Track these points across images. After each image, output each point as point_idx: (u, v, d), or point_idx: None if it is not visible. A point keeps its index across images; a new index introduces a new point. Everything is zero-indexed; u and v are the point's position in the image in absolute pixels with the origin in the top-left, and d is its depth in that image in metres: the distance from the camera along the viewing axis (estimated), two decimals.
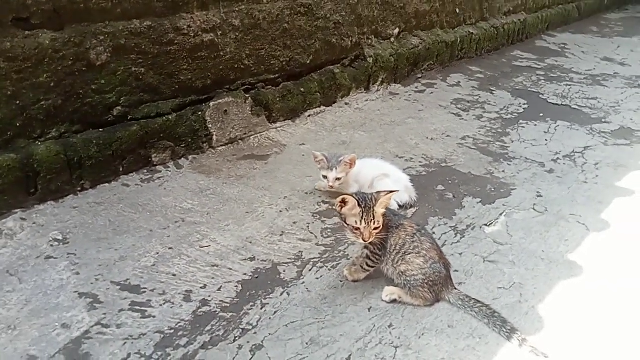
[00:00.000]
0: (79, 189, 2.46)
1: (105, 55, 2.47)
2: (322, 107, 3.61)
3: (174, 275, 2.00)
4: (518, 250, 2.24)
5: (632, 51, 5.75)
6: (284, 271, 2.06)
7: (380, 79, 4.05)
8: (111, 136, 2.54)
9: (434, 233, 2.30)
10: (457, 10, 4.88)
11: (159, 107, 2.74)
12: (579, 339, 1.77)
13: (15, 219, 2.21)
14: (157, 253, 2.11)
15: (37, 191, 2.32)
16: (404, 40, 4.30)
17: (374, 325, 1.79)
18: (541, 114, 3.82)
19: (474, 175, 2.88)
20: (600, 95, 4.28)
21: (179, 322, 1.77)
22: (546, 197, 2.67)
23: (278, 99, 3.29)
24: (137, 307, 1.83)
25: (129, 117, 2.64)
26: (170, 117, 2.77)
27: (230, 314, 1.83)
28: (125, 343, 1.68)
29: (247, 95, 3.13)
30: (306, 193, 2.63)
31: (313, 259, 2.14)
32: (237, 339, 1.72)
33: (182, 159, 2.85)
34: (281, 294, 1.93)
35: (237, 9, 2.97)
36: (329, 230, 2.33)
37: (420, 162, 3.02)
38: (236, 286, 1.96)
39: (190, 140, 2.86)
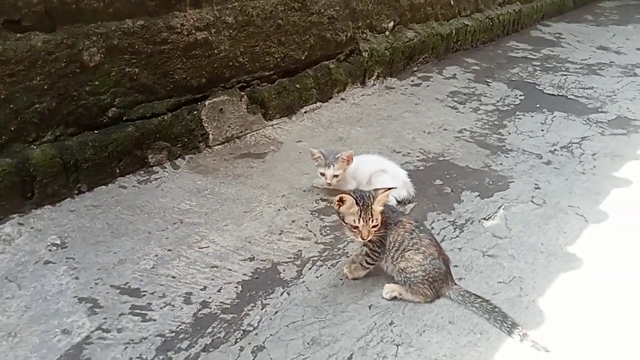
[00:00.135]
0: (76, 192, 2.45)
1: (98, 56, 2.45)
2: (318, 103, 3.59)
3: (174, 277, 1.99)
4: (517, 243, 2.24)
5: (627, 39, 5.74)
6: (284, 270, 2.05)
7: (376, 73, 4.03)
8: (107, 138, 2.53)
9: (432, 228, 2.31)
10: (452, 2, 4.86)
11: (154, 107, 2.72)
12: (580, 332, 1.77)
13: (12, 224, 2.20)
14: (156, 255, 2.10)
15: (33, 195, 2.31)
16: (399, 34, 4.28)
17: (375, 323, 1.80)
18: (537, 105, 3.82)
19: (471, 169, 2.88)
20: (597, 84, 4.28)
21: (180, 325, 1.77)
22: (544, 189, 2.67)
23: (273, 96, 3.28)
24: (138, 311, 1.82)
25: (124, 118, 2.62)
26: (165, 117, 2.75)
27: (231, 315, 1.82)
28: (126, 347, 1.68)
29: (243, 93, 3.11)
30: (304, 191, 2.62)
31: (312, 257, 2.14)
32: (238, 340, 1.72)
33: (179, 159, 2.83)
34: (281, 294, 1.93)
35: (230, 5, 2.95)
36: (327, 228, 2.33)
37: (417, 156, 3.02)
38: (236, 287, 1.96)
39: (186, 139, 2.85)
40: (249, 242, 2.21)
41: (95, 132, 2.52)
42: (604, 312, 1.87)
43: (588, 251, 2.19)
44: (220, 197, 2.53)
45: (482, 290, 1.94)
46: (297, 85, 3.42)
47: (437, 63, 4.64)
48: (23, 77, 2.23)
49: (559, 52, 5.19)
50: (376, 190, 1.86)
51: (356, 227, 1.80)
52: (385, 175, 2.49)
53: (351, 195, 1.80)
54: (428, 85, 4.17)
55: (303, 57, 3.48)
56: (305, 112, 3.50)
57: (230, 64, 3.03)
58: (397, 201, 2.49)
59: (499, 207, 2.51)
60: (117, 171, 2.60)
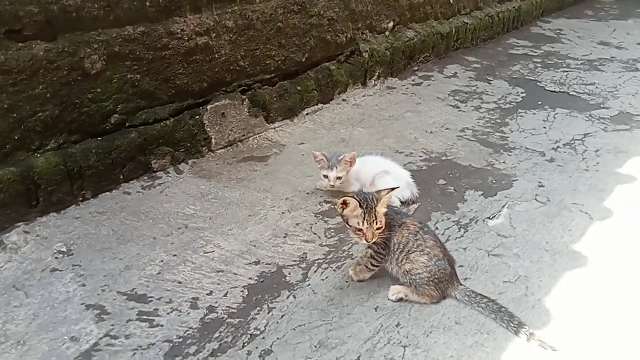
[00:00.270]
0: (81, 199, 2.46)
1: (99, 64, 2.46)
2: (320, 105, 3.60)
3: (180, 282, 2.00)
4: (522, 242, 2.24)
5: (628, 34, 5.73)
6: (289, 274, 2.06)
7: (377, 74, 4.03)
8: (110, 144, 2.53)
9: (436, 228, 2.31)
10: (451, 1, 4.86)
11: (157, 113, 2.73)
12: (587, 330, 1.77)
13: (18, 233, 2.21)
14: (162, 261, 2.11)
15: (38, 203, 2.32)
16: (399, 34, 4.28)
17: (382, 325, 1.80)
18: (539, 102, 3.81)
19: (474, 168, 2.88)
20: (598, 80, 4.27)
21: (187, 330, 1.78)
22: (548, 187, 2.67)
23: (275, 99, 3.28)
24: (145, 317, 1.83)
25: (127, 124, 2.63)
26: (168, 122, 2.76)
27: (238, 319, 1.83)
28: (134, 354, 1.68)
29: (244, 97, 3.12)
30: (307, 193, 2.63)
31: (317, 260, 2.14)
32: (245, 344, 1.72)
33: (182, 163, 2.84)
34: (287, 297, 1.93)
35: (230, 10, 2.95)
36: (332, 230, 2.33)
37: (420, 156, 3.02)
38: (242, 291, 1.96)
39: (189, 144, 2.86)
40: (254, 246, 2.22)
41: (99, 139, 2.53)
42: (611, 309, 1.87)
43: (593, 249, 2.19)
44: (224, 201, 2.54)
45: (488, 290, 1.94)
46: (298, 88, 3.43)
47: (437, 62, 4.64)
48: (25, 86, 2.24)
49: (559, 48, 5.18)
50: (379, 191, 1.87)
51: (360, 230, 1.81)
52: (388, 176, 2.49)
53: (354, 198, 1.80)
54: (429, 85, 4.17)
55: (303, 59, 3.48)
56: (307, 114, 3.50)
57: (231, 67, 3.04)
58: (401, 202, 2.49)
59: (503, 206, 2.50)
60: (121, 177, 2.60)
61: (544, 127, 3.40)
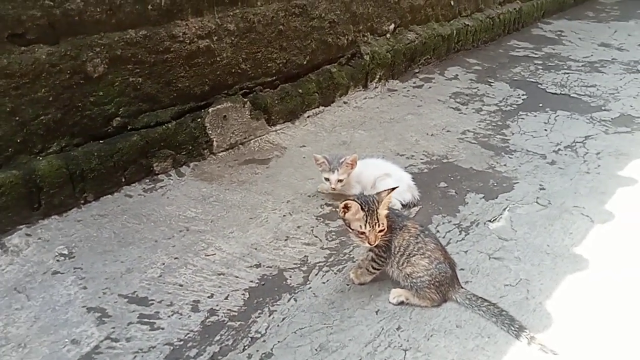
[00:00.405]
0: (82, 202, 2.46)
1: (102, 67, 2.47)
2: (321, 107, 3.60)
3: (181, 285, 2.00)
4: (523, 245, 2.24)
5: (629, 35, 5.73)
6: (290, 277, 2.06)
7: (378, 76, 4.04)
8: (112, 147, 2.54)
9: (437, 231, 2.31)
10: (452, 3, 4.87)
11: (158, 116, 2.73)
12: (588, 334, 1.77)
13: (20, 235, 2.22)
14: (163, 263, 2.12)
15: (40, 206, 2.32)
16: (400, 36, 4.28)
17: (382, 328, 1.80)
18: (540, 104, 3.81)
19: (475, 170, 2.88)
20: (599, 82, 4.27)
21: (188, 333, 1.78)
22: (549, 190, 2.67)
23: (276, 102, 3.29)
24: (146, 320, 1.83)
25: (129, 128, 2.64)
26: (169, 125, 2.76)
27: (239, 322, 1.83)
28: (135, 356, 1.69)
29: (246, 100, 3.13)
30: (309, 196, 2.63)
31: (319, 263, 2.14)
32: (246, 348, 1.73)
33: (184, 166, 2.85)
34: (288, 300, 1.94)
35: (231, 13, 2.96)
36: (333, 233, 2.34)
37: (421, 159, 3.02)
38: (243, 294, 1.97)
39: (190, 147, 2.87)
40: (255, 249, 2.22)
41: (101, 142, 2.54)
42: (612, 313, 1.87)
43: (594, 252, 2.19)
44: (226, 204, 2.54)
45: (488, 293, 1.94)
46: (300, 90, 3.43)
47: (438, 64, 4.65)
48: (28, 89, 2.25)
49: (560, 50, 5.18)
50: (379, 193, 1.87)
51: (363, 233, 1.81)
52: (389, 179, 2.49)
53: (356, 201, 1.81)
54: (430, 87, 4.17)
55: (305, 62, 3.49)
56: (308, 117, 3.51)
57: (233, 70, 3.05)
58: (402, 205, 2.49)
59: (504, 209, 2.51)
60: (123, 180, 2.61)
61: (545, 130, 3.40)
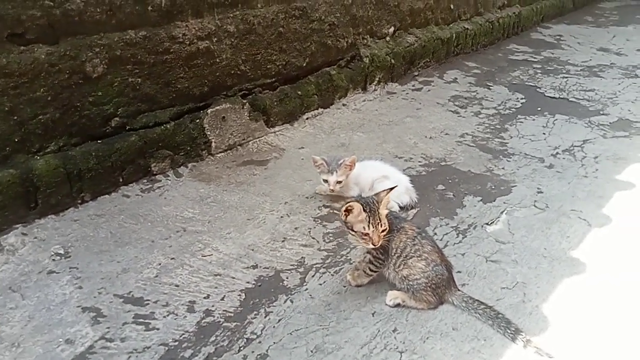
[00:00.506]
0: (79, 201, 2.46)
1: (101, 67, 2.47)
2: (320, 109, 3.61)
3: (177, 285, 2.00)
4: (520, 248, 2.23)
5: (627, 40, 5.74)
6: (287, 278, 2.06)
7: (377, 79, 4.04)
8: (110, 147, 2.54)
9: (435, 234, 2.31)
10: (452, 6, 4.88)
11: (157, 117, 2.73)
12: (584, 337, 1.77)
13: (16, 234, 2.21)
14: (160, 264, 2.11)
15: (37, 205, 2.32)
16: (400, 39, 4.29)
17: (379, 330, 1.80)
18: (539, 108, 3.82)
19: (473, 173, 2.88)
20: (598, 86, 4.27)
21: (183, 334, 1.78)
22: (547, 193, 2.67)
23: (275, 103, 3.29)
24: (141, 320, 1.83)
25: (127, 128, 2.64)
26: (168, 126, 2.76)
27: (234, 323, 1.83)
28: (129, 357, 1.68)
29: (245, 101, 3.13)
30: (307, 197, 2.63)
31: (315, 264, 2.14)
32: (241, 349, 1.72)
33: (182, 167, 2.85)
34: (285, 302, 1.93)
35: (231, 15, 2.97)
36: (330, 235, 2.33)
37: (419, 161, 3.02)
38: (239, 295, 1.96)
39: (189, 148, 2.86)
40: (252, 250, 2.22)
41: (99, 142, 2.54)
42: (608, 317, 1.86)
43: (592, 255, 2.19)
44: (223, 205, 2.54)
45: (485, 296, 1.94)
46: (299, 92, 3.44)
47: (438, 67, 4.65)
48: (27, 89, 2.25)
49: (559, 54, 5.19)
50: (377, 194, 1.87)
51: (367, 234, 1.79)
52: (387, 181, 2.49)
53: (358, 203, 1.80)
54: (429, 90, 4.18)
55: (304, 64, 3.49)
56: (307, 119, 3.51)
57: (232, 72, 3.05)
58: (400, 207, 2.49)
59: (502, 212, 2.50)
60: (121, 180, 2.61)
61: (544, 133, 3.40)
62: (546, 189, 2.71)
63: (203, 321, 1.83)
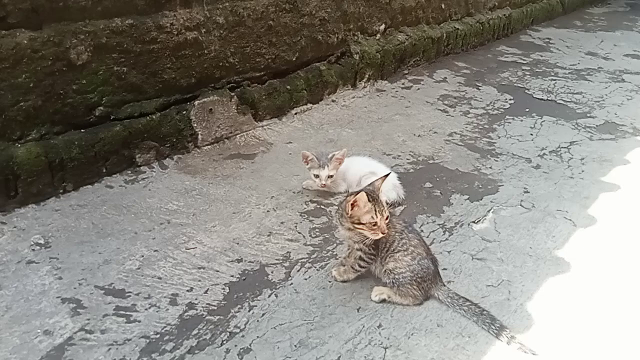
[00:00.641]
0: (61, 191, 2.41)
1: (86, 55, 2.42)
2: (309, 105, 3.58)
3: (160, 278, 1.96)
4: (506, 247, 2.24)
5: (615, 45, 5.80)
6: (272, 272, 2.03)
7: (367, 76, 4.03)
8: (93, 137, 2.49)
9: (422, 231, 2.30)
10: (443, 6, 4.88)
11: (143, 107, 2.69)
12: (567, 335, 1.77)
13: None
14: (142, 256, 2.07)
15: (17, 194, 2.27)
16: (390, 37, 4.28)
17: (363, 326, 1.78)
18: (527, 109, 3.83)
19: (461, 172, 2.88)
20: (585, 89, 4.31)
21: (165, 327, 1.74)
22: (533, 193, 2.68)
23: (264, 97, 3.26)
24: (122, 312, 1.79)
25: (112, 117, 2.59)
26: (154, 117, 2.72)
27: (218, 317, 1.80)
28: (109, 349, 1.65)
29: (233, 94, 3.09)
30: (294, 192, 2.61)
31: (301, 259, 2.12)
32: (224, 342, 1.70)
33: (167, 159, 2.80)
34: (269, 296, 1.91)
35: (220, 6, 2.93)
36: (317, 230, 2.31)
37: (407, 159, 3.01)
38: (223, 288, 1.93)
39: (174, 140, 2.82)
40: (237, 244, 2.19)
41: (82, 131, 2.49)
42: (592, 315, 1.87)
43: (576, 255, 2.19)
44: (209, 198, 2.51)
45: (470, 293, 1.93)
46: (288, 87, 3.41)
47: (427, 66, 4.65)
48: (8, 74, 2.20)
49: (548, 57, 5.22)
50: (372, 183, 1.87)
51: (376, 224, 1.76)
52: (374, 177, 2.46)
53: (364, 193, 1.76)
54: (419, 89, 4.18)
55: (294, 59, 3.46)
56: (296, 114, 3.48)
57: (221, 64, 3.01)
58: (387, 203, 2.47)
59: (489, 211, 2.51)
60: (104, 170, 2.56)
61: (531, 134, 3.42)
62: (532, 189, 2.72)
63: (186, 314, 1.80)
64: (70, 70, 2.39)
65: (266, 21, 3.19)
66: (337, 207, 2.09)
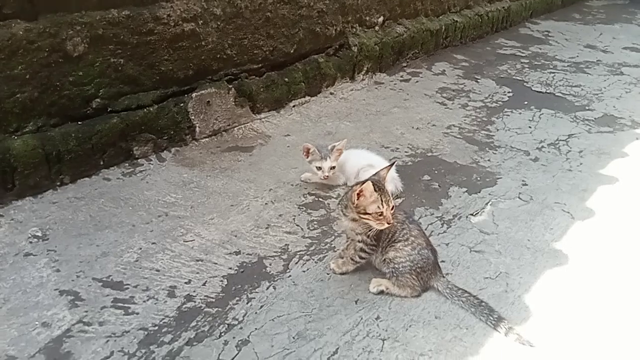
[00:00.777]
0: (58, 183, 2.40)
1: (82, 46, 2.40)
2: (307, 97, 3.57)
3: (158, 270, 1.96)
4: (504, 239, 2.24)
5: (614, 38, 5.79)
6: (270, 265, 2.03)
7: (365, 68, 4.01)
8: (90, 129, 2.48)
9: (420, 223, 2.29)
10: None
11: (140, 99, 2.67)
12: (565, 327, 1.78)
13: None
14: (140, 248, 2.07)
15: (14, 187, 2.26)
16: (389, 29, 4.26)
17: (361, 318, 1.78)
18: (525, 102, 3.83)
19: (459, 165, 2.88)
20: (584, 82, 4.30)
21: (163, 319, 1.74)
22: (531, 186, 2.68)
23: (262, 89, 3.24)
24: (120, 304, 1.79)
25: (109, 109, 2.57)
26: (151, 109, 2.71)
27: (216, 309, 1.80)
28: (107, 341, 1.64)
29: (230, 86, 3.08)
30: (292, 185, 2.60)
31: (299, 251, 2.12)
32: (222, 334, 1.70)
33: (165, 151, 2.79)
34: (267, 288, 1.91)
35: None
36: (315, 223, 2.31)
37: (406, 151, 3.01)
38: (221, 281, 1.93)
39: (172, 132, 2.81)
40: (235, 236, 2.19)
41: (79, 123, 2.47)
42: (589, 308, 1.88)
43: (574, 248, 2.20)
44: (207, 191, 2.50)
45: (468, 285, 1.94)
46: (286, 79, 3.39)
47: (426, 59, 4.64)
48: (3, 66, 2.18)
49: (547, 50, 5.21)
50: (377, 173, 1.86)
51: (382, 214, 1.74)
52: (372, 170, 2.45)
53: (370, 182, 1.75)
54: (417, 81, 4.16)
55: (292, 51, 3.44)
56: (294, 106, 3.47)
57: (218, 56, 2.99)
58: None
59: (487, 203, 2.51)
60: (101, 163, 2.55)
61: (530, 127, 3.41)
62: (531, 182, 2.72)
63: (184, 306, 1.80)
64: (67, 62, 2.37)
65: (264, 13, 3.17)
66: (339, 199, 2.08)
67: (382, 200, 1.74)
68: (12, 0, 2.15)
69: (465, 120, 3.48)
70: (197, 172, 2.65)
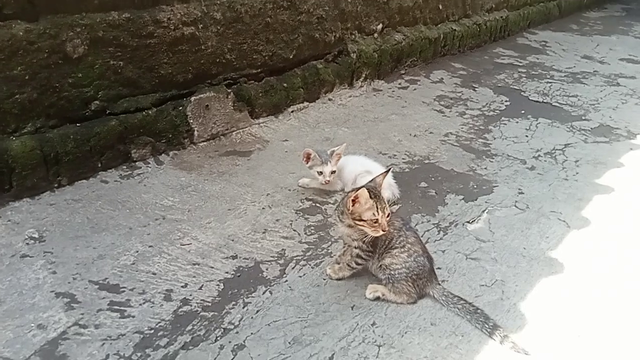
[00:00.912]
0: (56, 185, 2.40)
1: (82, 48, 2.40)
2: (305, 103, 3.58)
3: (154, 273, 1.96)
4: (500, 247, 2.25)
5: (610, 49, 5.83)
6: (267, 269, 2.03)
7: (364, 75, 4.03)
8: (89, 131, 2.48)
9: (417, 230, 2.30)
10: (440, 7, 4.89)
11: (139, 102, 2.68)
12: (560, 336, 1.79)
13: None
14: (137, 251, 2.07)
15: (11, 188, 2.25)
16: (387, 36, 4.28)
17: (357, 324, 1.79)
18: (522, 111, 3.85)
19: (456, 172, 2.89)
20: (580, 92, 4.33)
21: (159, 322, 1.74)
22: (527, 194, 2.70)
23: (260, 94, 3.25)
24: (116, 307, 1.79)
25: (108, 112, 2.58)
26: (150, 112, 2.71)
27: (212, 313, 1.80)
28: (103, 344, 1.64)
29: (229, 90, 3.09)
30: (289, 190, 2.60)
31: (296, 256, 2.12)
32: (218, 338, 1.69)
33: (163, 154, 2.79)
34: (263, 293, 1.91)
35: (218, 2, 2.92)
36: (312, 228, 2.32)
37: (403, 158, 3.02)
38: (218, 285, 1.93)
39: (170, 135, 2.81)
40: (232, 240, 2.19)
41: (77, 125, 2.47)
42: (584, 316, 1.89)
43: (569, 256, 2.21)
44: (204, 194, 2.50)
45: (464, 293, 1.94)
46: (285, 84, 3.40)
47: (424, 67, 4.66)
48: (3, 66, 2.18)
49: (544, 59, 5.25)
50: (373, 179, 1.86)
51: (377, 221, 1.74)
52: (370, 176, 2.45)
53: (365, 189, 1.75)
54: (415, 89, 4.18)
55: (291, 56, 3.46)
56: (292, 112, 3.48)
57: (217, 60, 3.00)
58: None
59: (483, 211, 2.52)
60: (99, 165, 2.55)
61: (526, 136, 3.43)
62: (527, 190, 2.74)
63: (180, 310, 1.80)
64: (66, 64, 2.37)
65: (263, 18, 3.19)
66: (336, 205, 2.09)
67: (377, 207, 1.74)
68: (12, 1, 2.16)
69: (462, 128, 3.50)
70: (195, 176, 2.65)
